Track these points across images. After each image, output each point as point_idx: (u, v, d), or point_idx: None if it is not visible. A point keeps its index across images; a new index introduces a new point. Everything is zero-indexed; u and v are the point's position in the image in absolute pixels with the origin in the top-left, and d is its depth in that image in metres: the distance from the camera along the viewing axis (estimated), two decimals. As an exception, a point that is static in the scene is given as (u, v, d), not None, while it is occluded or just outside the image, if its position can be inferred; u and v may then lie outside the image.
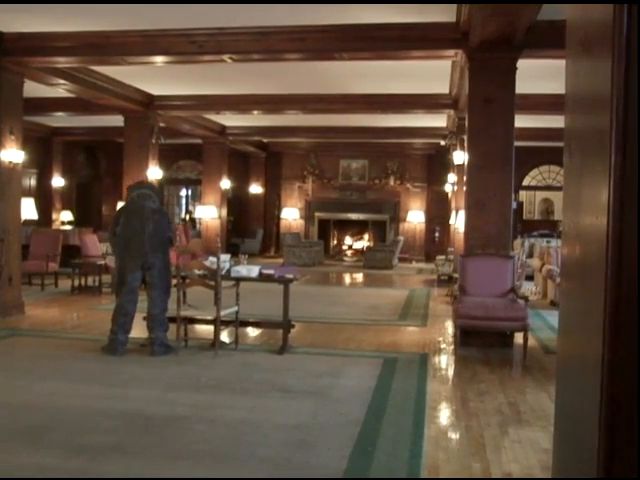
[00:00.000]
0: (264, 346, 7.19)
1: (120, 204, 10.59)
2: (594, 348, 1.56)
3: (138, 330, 6.91)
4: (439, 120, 14.17)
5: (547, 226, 20.65)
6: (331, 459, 3.93)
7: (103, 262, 11.28)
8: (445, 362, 6.78)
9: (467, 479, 3.73)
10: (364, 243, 19.92)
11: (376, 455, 4.01)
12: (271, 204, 20.08)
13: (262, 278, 6.89)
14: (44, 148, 16.97)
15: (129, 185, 7.18)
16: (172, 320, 6.76)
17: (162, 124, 13.01)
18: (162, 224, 6.70)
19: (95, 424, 4.48)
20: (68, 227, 16.38)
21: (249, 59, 8.40)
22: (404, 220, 19.04)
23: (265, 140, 18.90)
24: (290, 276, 6.87)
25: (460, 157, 11.94)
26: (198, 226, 19.21)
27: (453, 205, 13.53)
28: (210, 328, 7.01)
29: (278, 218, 19.87)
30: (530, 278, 12.50)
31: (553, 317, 8.67)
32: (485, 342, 7.15)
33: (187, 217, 22.95)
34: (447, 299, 11.04)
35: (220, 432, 4.38)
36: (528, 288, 11.85)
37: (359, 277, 15.49)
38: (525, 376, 6.15)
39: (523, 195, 22.12)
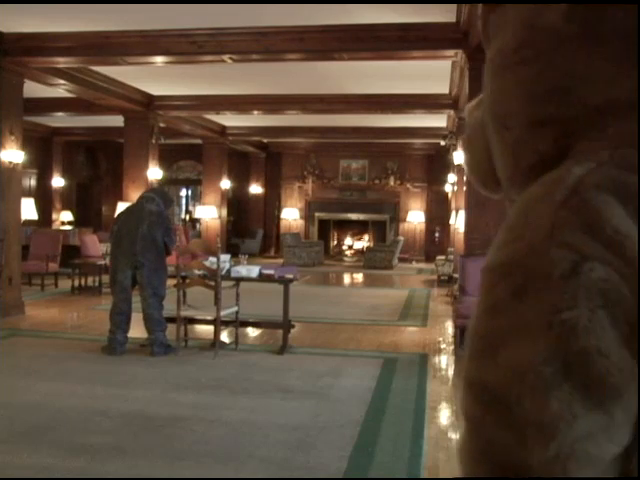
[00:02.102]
0: (264, 346, 7.19)
1: (120, 204, 10.61)
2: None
3: (139, 330, 6.90)
4: (439, 120, 14.16)
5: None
6: (331, 459, 3.92)
7: (103, 262, 11.27)
8: (445, 362, 6.78)
9: (467, 479, 3.72)
10: (364, 243, 19.92)
11: (376, 455, 4.01)
12: (271, 204, 20.06)
13: (262, 278, 6.89)
14: (44, 148, 16.96)
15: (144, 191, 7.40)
16: (172, 320, 6.75)
17: (162, 124, 13.00)
18: (158, 226, 6.57)
19: (95, 424, 4.48)
20: (68, 227, 16.37)
21: (249, 59, 8.40)
22: (404, 220, 19.03)
23: (265, 140, 18.88)
24: (290, 276, 6.87)
25: (460, 157, 11.94)
26: (198, 226, 19.21)
27: (453, 205, 13.53)
28: (210, 328, 7.00)
29: (278, 218, 19.86)
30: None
31: (553, 317, 8.65)
32: (485, 342, 7.14)
33: (187, 217, 22.95)
34: (447, 299, 11.04)
35: (220, 432, 4.38)
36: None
37: (359, 277, 15.49)
38: (525, 376, 6.13)
39: (523, 195, 22.12)
